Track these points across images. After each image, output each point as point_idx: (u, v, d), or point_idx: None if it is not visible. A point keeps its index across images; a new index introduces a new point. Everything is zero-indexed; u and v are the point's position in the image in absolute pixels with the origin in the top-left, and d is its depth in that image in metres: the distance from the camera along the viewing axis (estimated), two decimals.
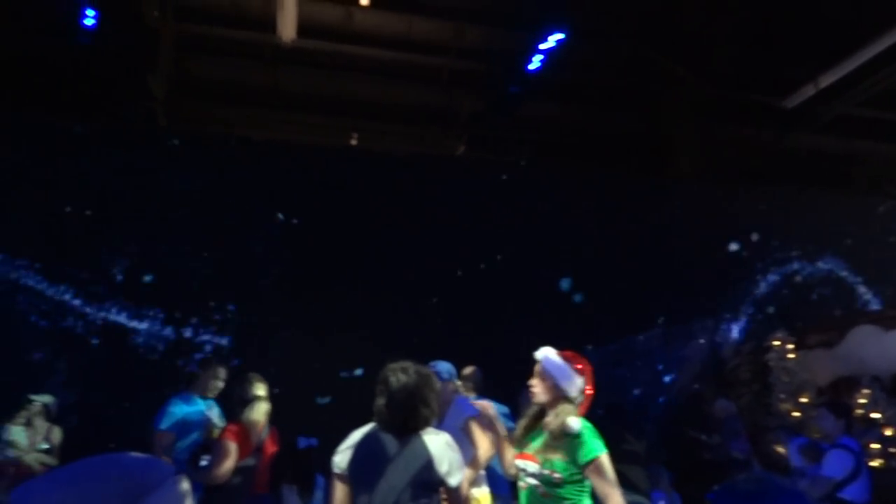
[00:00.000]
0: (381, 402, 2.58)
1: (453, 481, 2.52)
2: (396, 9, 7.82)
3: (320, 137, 8.36)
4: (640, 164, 9.09)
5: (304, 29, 7.16)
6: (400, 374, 2.59)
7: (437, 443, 2.55)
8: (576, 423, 2.68)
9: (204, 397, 4.49)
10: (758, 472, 4.99)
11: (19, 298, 5.98)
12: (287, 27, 7.02)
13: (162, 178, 6.49)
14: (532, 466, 2.74)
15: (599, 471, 2.64)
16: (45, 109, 7.16)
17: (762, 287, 8.14)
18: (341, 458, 2.57)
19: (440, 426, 2.87)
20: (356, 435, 2.61)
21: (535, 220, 6.99)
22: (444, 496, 2.58)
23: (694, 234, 7.53)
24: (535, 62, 7.00)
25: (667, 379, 7.10)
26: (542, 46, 6.88)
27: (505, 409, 5.01)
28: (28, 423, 5.04)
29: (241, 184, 6.62)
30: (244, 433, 3.67)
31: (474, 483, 3.63)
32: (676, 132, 8.84)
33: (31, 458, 5.07)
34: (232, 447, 3.58)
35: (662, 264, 7.25)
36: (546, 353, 2.84)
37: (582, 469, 2.66)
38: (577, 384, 2.78)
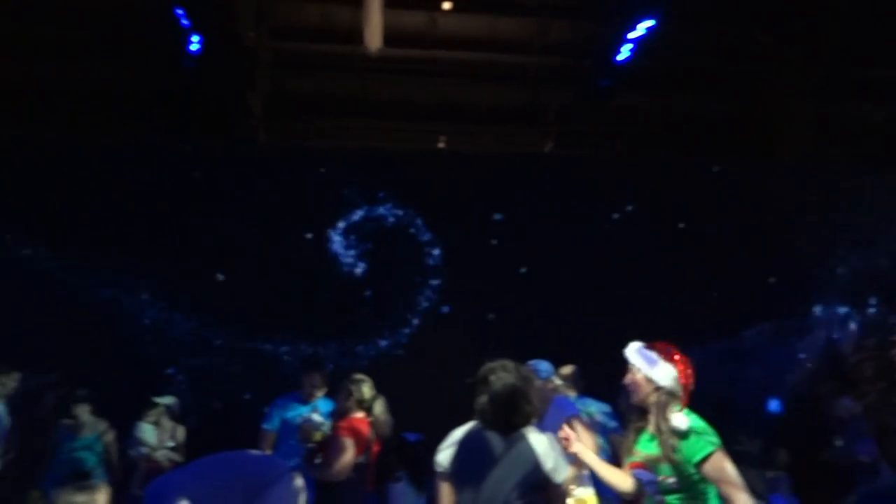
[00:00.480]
0: (482, 400, 2.58)
1: (559, 479, 2.51)
2: (479, 10, 7.86)
3: (410, 143, 8.53)
4: (744, 150, 8.63)
5: (389, 38, 7.33)
6: (501, 372, 2.59)
7: (541, 440, 2.55)
8: (682, 419, 2.52)
9: (307, 400, 4.71)
10: (890, 477, 4.60)
11: (137, 309, 6.51)
12: (373, 37, 7.21)
13: (260, 190, 6.85)
14: (646, 475, 2.63)
15: (717, 468, 2.46)
16: (158, 132, 7.76)
17: (885, 277, 7.50)
18: (444, 456, 2.59)
19: (540, 425, 2.85)
20: (458, 433, 2.63)
21: (631, 214, 6.79)
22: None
23: (807, 221, 7.06)
24: (625, 52, 6.79)
25: (781, 377, 6.69)
26: (631, 36, 6.67)
27: (606, 408, 4.90)
28: (156, 423, 5.49)
29: (336, 192, 6.86)
30: (358, 430, 3.79)
31: (578, 483, 3.57)
32: (783, 114, 8.32)
33: (160, 455, 5.51)
34: (349, 443, 3.72)
35: (773, 254, 6.85)
36: (632, 347, 2.73)
37: (697, 469, 2.49)
38: (669, 373, 2.61)
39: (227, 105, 7.72)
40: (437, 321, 6.42)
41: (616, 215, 6.84)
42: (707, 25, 7.84)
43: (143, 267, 6.39)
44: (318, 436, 4.33)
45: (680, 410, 2.58)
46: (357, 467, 3.76)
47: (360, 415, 3.91)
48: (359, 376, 4.07)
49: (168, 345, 6.30)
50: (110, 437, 5.64)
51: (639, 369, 2.66)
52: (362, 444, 3.80)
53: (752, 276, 6.81)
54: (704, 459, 2.48)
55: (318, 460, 3.90)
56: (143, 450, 5.44)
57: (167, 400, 5.63)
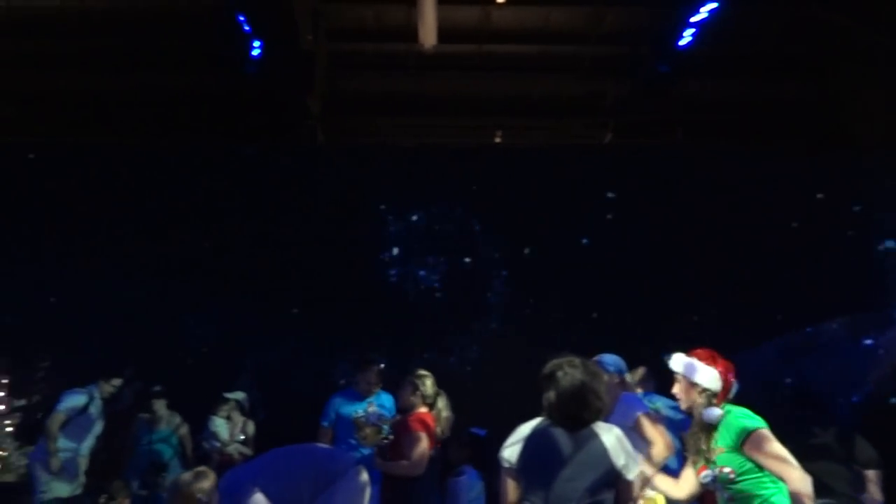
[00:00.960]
0: (550, 396, 2.55)
1: (631, 475, 2.46)
2: (532, 2, 7.77)
3: (467, 139, 8.53)
4: (813, 136, 8.24)
5: (443, 34, 7.34)
6: (568, 367, 2.55)
7: (611, 436, 2.50)
8: (712, 410, 2.70)
9: (363, 396, 4.77)
10: None
11: (207, 308, 6.75)
12: (428, 34, 7.24)
13: (322, 189, 7.00)
14: (708, 476, 2.70)
15: (759, 446, 2.59)
16: (220, 137, 8.04)
17: None
18: (510, 452, 2.57)
19: (608, 421, 2.79)
20: (524, 429, 2.60)
21: (696, 205, 6.58)
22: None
23: (885, 208, 6.69)
24: (687, 37, 6.58)
25: (860, 370, 6.37)
26: (693, 20, 6.45)
27: (672, 403, 4.78)
28: (228, 417, 5.68)
29: (394, 190, 6.94)
30: (428, 423, 3.83)
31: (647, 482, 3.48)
32: (856, 98, 7.89)
33: (232, 449, 5.70)
34: (423, 436, 3.77)
35: (847, 243, 6.53)
36: (675, 358, 2.91)
37: (742, 451, 2.61)
38: (711, 375, 2.77)
39: (287, 108, 7.89)
40: (501, 318, 6.41)
41: (680, 206, 6.65)
42: (774, 5, 7.51)
43: (211, 267, 6.62)
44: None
45: (713, 404, 2.75)
46: (430, 461, 3.79)
47: (423, 409, 3.97)
48: (422, 372, 4.15)
49: (237, 342, 6.51)
50: (184, 430, 5.88)
51: (683, 377, 2.85)
52: (433, 437, 3.84)
53: (829, 268, 6.51)
54: (746, 439, 2.61)
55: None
56: (216, 443, 5.64)
57: (238, 395, 5.82)
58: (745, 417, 2.69)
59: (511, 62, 8.32)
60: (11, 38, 7.64)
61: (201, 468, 3.14)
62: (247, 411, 5.80)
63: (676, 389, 2.89)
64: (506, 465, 2.57)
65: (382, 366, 4.82)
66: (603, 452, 2.45)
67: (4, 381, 6.65)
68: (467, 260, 6.61)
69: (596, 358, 3.34)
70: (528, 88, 8.60)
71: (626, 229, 6.60)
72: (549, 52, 8.17)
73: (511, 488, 2.55)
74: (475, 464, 4.75)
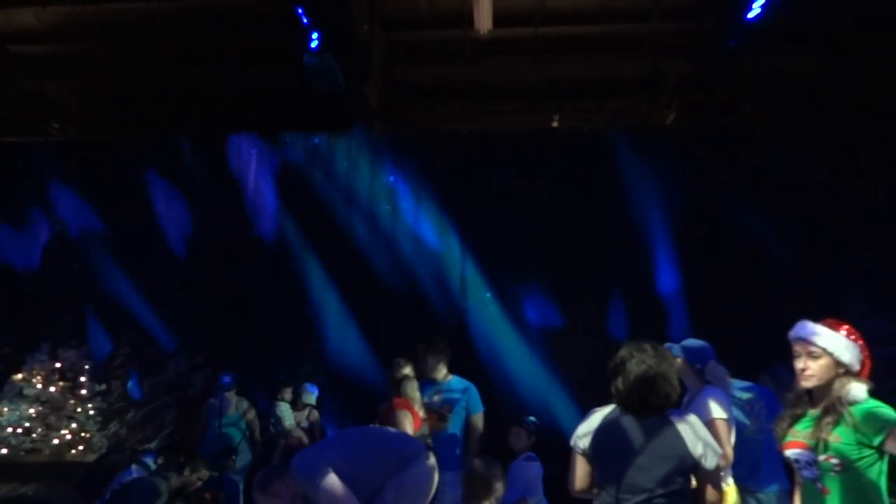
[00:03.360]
0: (620, 382, 2.51)
1: (709, 463, 2.37)
2: None
3: (525, 123, 8.40)
4: (893, 109, 7.72)
5: (499, 18, 7.24)
6: (637, 352, 2.51)
7: (686, 424, 2.43)
8: (861, 390, 2.35)
9: (432, 382, 4.77)
10: None
11: (273, 298, 6.92)
12: (483, 19, 7.16)
13: (378, 178, 7.06)
14: (805, 455, 2.43)
15: None
16: (282, 129, 8.19)
17: None
18: (583, 439, 2.55)
19: (685, 408, 2.71)
20: (597, 415, 2.58)
21: (770, 184, 6.30)
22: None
23: None
24: (756, 9, 6.26)
25: None
26: None
27: (744, 384, 4.57)
28: (293, 403, 5.82)
29: (454, 176, 6.92)
30: (410, 406, 4.03)
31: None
32: None
33: (297, 434, 5.83)
34: (407, 416, 3.83)
35: None
36: (810, 328, 2.49)
37: (880, 439, 2.27)
38: (856, 353, 2.43)
39: (345, 98, 7.97)
40: (566, 302, 6.32)
41: (752, 185, 6.39)
42: None
43: (278, 258, 6.78)
44: (432, 416, 4.42)
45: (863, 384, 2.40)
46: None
47: (399, 397, 4.21)
48: (397, 359, 4.45)
49: (303, 331, 6.66)
50: (252, 415, 6.05)
51: (826, 351, 2.45)
52: (416, 417, 4.06)
53: None
54: (892, 431, 2.26)
55: None
56: (282, 428, 5.78)
57: (303, 383, 5.95)
58: (885, 407, 2.33)
59: (568, 44, 8.11)
60: (87, 41, 7.98)
61: None
62: (313, 398, 5.92)
63: (804, 364, 2.47)
64: (578, 450, 2.56)
65: (448, 350, 4.81)
66: (678, 440, 2.39)
67: (87, 366, 7.01)
68: (532, 246, 6.54)
69: (667, 344, 3.20)
70: (587, 70, 8.37)
71: (690, 210, 6.39)
72: (608, 31, 7.92)
73: (583, 474, 2.54)
74: (531, 449, 4.71)
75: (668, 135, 7.68)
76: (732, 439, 3.17)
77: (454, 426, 4.61)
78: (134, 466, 5.47)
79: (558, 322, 6.38)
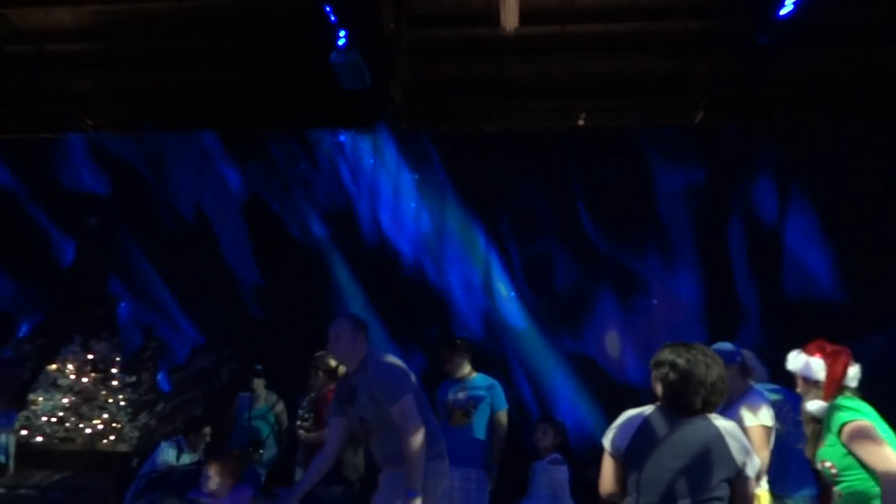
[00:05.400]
0: (664, 381, 2.44)
1: (751, 471, 2.31)
2: None
3: (551, 122, 8.38)
4: None
5: (526, 16, 7.22)
6: (684, 352, 2.43)
7: (729, 428, 2.36)
8: (814, 402, 2.68)
9: (457, 380, 4.81)
10: None
11: (305, 294, 7.01)
12: (509, 17, 7.15)
13: (403, 175, 7.11)
14: (818, 468, 2.70)
15: (853, 438, 2.48)
16: (307, 125, 8.28)
17: None
18: (617, 439, 2.47)
19: (726, 412, 2.68)
20: (633, 415, 2.50)
21: (797, 185, 6.21)
22: None
23: None
24: (788, 5, 6.16)
25: None
26: None
27: (773, 387, 4.53)
28: None
29: (479, 174, 6.93)
30: None
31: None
32: None
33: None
34: None
35: None
36: (790, 357, 2.88)
37: (842, 444, 2.53)
38: (815, 367, 2.73)
39: (371, 96, 8.02)
40: (590, 302, 6.31)
41: (780, 187, 6.30)
42: None
43: (308, 251, 6.86)
44: (457, 413, 4.45)
45: (819, 398, 2.70)
46: None
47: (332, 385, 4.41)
48: (318, 353, 4.64)
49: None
50: (280, 408, 6.13)
51: (796, 373, 2.84)
52: None
53: None
54: (842, 427, 2.53)
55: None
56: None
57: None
58: (847, 410, 2.57)
59: (596, 42, 8.06)
60: (120, 39, 8.13)
61: None
62: None
63: (799, 389, 2.87)
64: (610, 450, 2.48)
65: (471, 348, 4.84)
66: (722, 445, 2.30)
67: (118, 358, 7.17)
68: (556, 246, 6.53)
69: (714, 346, 3.15)
70: (614, 68, 8.32)
71: (718, 211, 6.33)
72: (636, 29, 7.85)
73: (614, 476, 2.47)
74: (556, 448, 4.71)
75: (697, 133, 7.60)
76: (771, 445, 3.16)
77: (478, 423, 4.64)
78: (164, 443, 5.61)
79: (584, 322, 6.36)
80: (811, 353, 2.77)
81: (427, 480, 3.25)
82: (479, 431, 4.62)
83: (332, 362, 4.52)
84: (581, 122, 8.51)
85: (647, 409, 2.50)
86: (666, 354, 2.49)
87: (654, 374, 2.50)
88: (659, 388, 2.47)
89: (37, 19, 7.87)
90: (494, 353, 6.48)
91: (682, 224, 6.33)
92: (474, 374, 4.75)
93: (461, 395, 4.63)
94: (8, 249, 7.73)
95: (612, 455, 2.49)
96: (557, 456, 4.26)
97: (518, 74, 8.47)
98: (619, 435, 2.47)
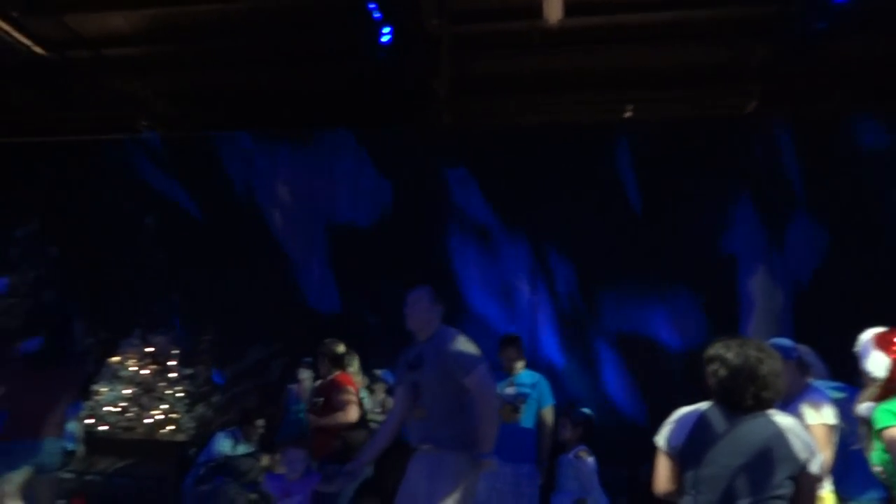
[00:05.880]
0: (717, 377, 2.38)
1: (815, 468, 2.24)
2: None
3: (597, 115, 8.27)
4: None
5: (570, 8, 7.13)
6: (737, 346, 2.37)
7: (789, 424, 2.29)
8: (864, 407, 2.53)
9: (507, 374, 4.83)
10: None
11: (351, 287, 7.11)
12: (553, 9, 7.07)
13: (447, 171, 7.14)
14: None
15: (891, 445, 2.39)
16: (352, 122, 8.38)
17: None
18: (673, 436, 2.42)
19: (785, 409, 2.60)
20: (687, 413, 2.45)
21: (863, 176, 5.98)
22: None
23: None
24: None
25: None
26: None
27: (837, 384, 4.40)
28: (371, 391, 5.98)
29: (524, 169, 6.91)
30: (352, 382, 4.50)
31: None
32: None
33: (371, 419, 6.00)
34: (350, 389, 4.44)
35: None
36: (862, 336, 2.69)
37: (882, 440, 2.43)
38: (878, 363, 2.54)
39: (414, 92, 8.06)
40: (639, 299, 6.24)
41: (844, 178, 6.08)
42: None
43: (356, 247, 6.96)
44: (506, 408, 4.46)
45: (873, 398, 2.53)
46: None
47: (340, 371, 4.64)
48: (327, 341, 4.74)
49: (376, 321, 6.85)
50: None
51: (859, 358, 2.67)
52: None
53: None
54: (881, 432, 2.42)
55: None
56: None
57: (380, 371, 6.11)
58: (888, 415, 2.42)
59: (642, 32, 7.91)
60: (171, 42, 8.37)
61: None
62: (389, 387, 6.07)
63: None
64: (665, 449, 2.43)
65: (522, 343, 4.85)
66: (783, 442, 2.23)
67: (175, 351, 7.44)
68: (601, 240, 6.47)
69: (770, 342, 3.07)
70: (662, 59, 8.14)
71: (776, 202, 6.15)
72: (684, 18, 7.66)
73: (669, 475, 2.42)
74: (584, 442, 4.68)
75: (750, 123, 7.39)
76: (834, 445, 3.06)
77: (527, 419, 4.66)
78: (220, 434, 5.81)
79: (632, 318, 6.28)
80: (880, 346, 2.55)
81: (467, 469, 3.31)
82: (529, 426, 4.63)
83: (339, 349, 4.69)
84: (628, 115, 8.37)
85: (702, 406, 2.45)
86: (716, 349, 2.43)
87: (708, 367, 2.44)
88: (712, 383, 2.41)
89: (94, 25, 8.16)
90: (540, 350, 6.48)
91: (738, 216, 6.17)
92: (522, 370, 4.76)
93: (509, 390, 4.65)
94: (81, 246, 8.09)
95: (667, 453, 2.44)
96: (583, 448, 4.24)
97: (562, 67, 8.37)
98: (674, 433, 2.43)
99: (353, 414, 4.42)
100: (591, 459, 4.44)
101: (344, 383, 4.51)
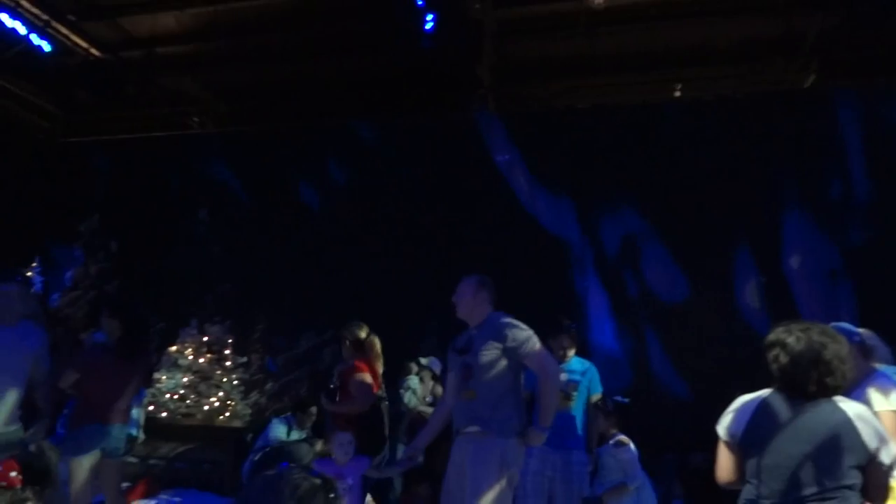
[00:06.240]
0: (781, 362, 2.28)
1: (887, 458, 2.13)
2: None
3: (645, 95, 8.06)
4: None
5: None
6: (800, 332, 2.28)
7: (858, 411, 2.18)
8: None
9: (558, 361, 4.78)
10: None
11: (400, 279, 7.17)
12: None
13: (494, 157, 7.09)
14: None
15: None
16: (398, 111, 8.40)
17: None
18: (734, 424, 2.34)
19: (850, 396, 2.48)
20: (749, 400, 2.36)
21: None
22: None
23: None
24: None
25: None
26: None
27: None
28: (421, 379, 6.04)
29: (571, 153, 6.81)
30: (371, 367, 4.43)
31: None
32: None
33: (422, 408, 6.05)
34: (366, 375, 4.34)
35: None
36: None
37: None
38: None
39: (458, 80, 8.02)
40: (691, 281, 6.09)
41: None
42: None
43: (409, 236, 7.00)
44: (560, 396, 4.40)
45: None
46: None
47: (361, 357, 4.57)
48: (351, 323, 4.70)
49: (424, 307, 6.88)
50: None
51: None
52: (376, 378, 4.53)
53: None
54: None
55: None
56: (413, 401, 6.02)
57: (428, 360, 6.16)
58: None
59: (690, 8, 7.65)
60: (218, 39, 8.55)
61: None
62: (437, 375, 6.11)
63: None
64: (726, 438, 2.36)
65: (574, 330, 4.79)
66: (851, 430, 2.13)
67: (230, 340, 7.65)
68: (650, 222, 6.33)
69: (833, 324, 2.94)
70: (711, 35, 7.86)
71: (836, 180, 5.89)
72: None
73: (732, 464, 2.34)
74: (620, 430, 4.60)
75: (808, 98, 7.08)
76: None
77: (578, 406, 4.61)
78: (275, 420, 5.96)
79: (683, 303, 6.14)
80: None
81: (511, 458, 3.30)
82: (579, 414, 4.59)
83: (362, 333, 4.66)
84: (677, 94, 8.13)
85: (763, 394, 2.36)
86: (777, 334, 2.34)
87: (770, 353, 2.35)
88: (775, 369, 2.32)
89: (145, 25, 8.41)
90: (590, 336, 6.41)
91: (795, 194, 5.93)
92: (572, 357, 4.71)
93: (561, 377, 4.60)
94: (139, 239, 8.39)
95: (727, 442, 2.37)
96: (621, 436, 4.16)
97: (608, 48, 8.18)
98: (735, 421, 2.35)
99: (362, 403, 4.41)
100: (631, 446, 4.38)
101: (361, 370, 4.47)
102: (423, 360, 6.18)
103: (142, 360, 4.32)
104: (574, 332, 4.74)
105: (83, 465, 3.85)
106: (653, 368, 6.14)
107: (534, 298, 6.81)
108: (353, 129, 7.90)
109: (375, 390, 4.55)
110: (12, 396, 3.58)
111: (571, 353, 4.71)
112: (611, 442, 4.47)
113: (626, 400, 4.65)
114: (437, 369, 6.09)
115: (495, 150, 7.25)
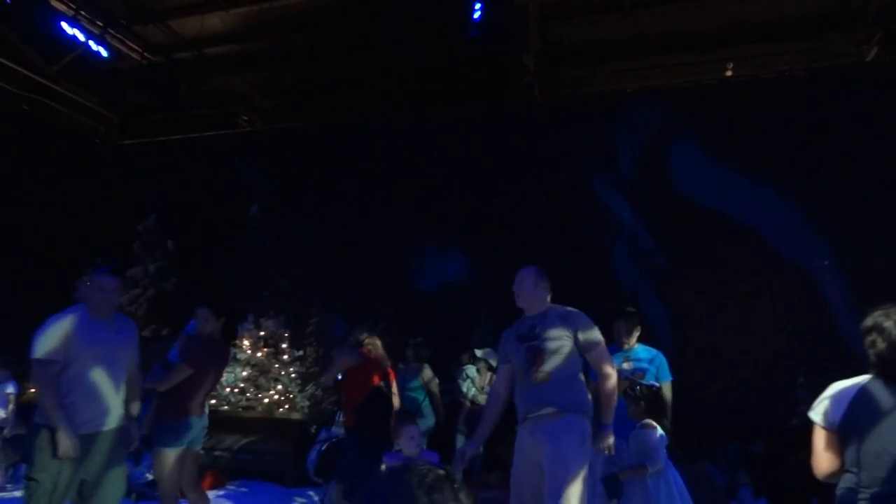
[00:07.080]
0: (879, 348, 2.22)
1: None
2: None
3: (695, 76, 7.88)
4: None
5: None
6: (894, 314, 2.21)
7: None
8: None
9: (619, 348, 4.73)
10: None
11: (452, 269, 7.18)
12: None
13: (542, 144, 7.02)
14: None
15: None
16: (446, 101, 8.39)
17: None
18: (832, 411, 2.27)
19: None
20: (846, 387, 2.29)
21: None
22: None
23: None
24: None
25: None
26: None
27: None
28: (478, 371, 6.06)
29: (620, 138, 6.70)
30: (370, 359, 4.73)
31: None
32: None
33: (481, 398, 6.08)
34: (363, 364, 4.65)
35: None
36: None
37: None
38: None
39: (504, 68, 7.96)
40: (763, 268, 5.95)
41: None
42: None
43: (463, 229, 7.02)
44: (626, 385, 4.36)
45: None
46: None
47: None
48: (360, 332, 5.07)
49: (482, 297, 6.90)
50: (433, 381, 6.36)
51: None
52: (380, 372, 4.86)
53: None
54: None
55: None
56: (472, 391, 6.06)
57: (484, 352, 6.17)
58: None
59: None
60: (262, 38, 8.67)
61: None
62: (492, 366, 6.12)
63: None
64: (823, 424, 2.30)
65: (638, 318, 4.73)
66: None
67: (286, 334, 7.80)
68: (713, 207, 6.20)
69: None
70: (763, 11, 7.62)
71: None
72: None
73: (831, 452, 2.28)
74: (653, 416, 4.52)
75: (871, 72, 6.81)
76: None
77: None
78: (338, 412, 6.08)
79: (750, 293, 6.00)
80: None
81: (589, 435, 3.34)
82: None
83: (363, 338, 5.03)
84: (729, 73, 7.92)
85: (862, 380, 2.29)
86: (875, 319, 2.27)
87: (868, 339, 2.28)
88: (875, 354, 2.25)
89: (194, 27, 8.57)
90: (650, 325, 6.33)
91: (868, 174, 5.71)
92: (637, 345, 4.66)
93: (626, 365, 4.55)
94: (195, 237, 8.59)
95: (825, 428, 2.30)
96: (647, 421, 4.10)
97: (653, 29, 8.02)
98: (833, 407, 2.28)
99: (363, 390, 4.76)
100: (656, 431, 4.32)
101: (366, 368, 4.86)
102: (479, 352, 6.19)
103: (225, 354, 4.40)
104: (635, 318, 4.68)
105: (175, 457, 3.94)
106: (713, 359, 6.03)
107: (588, 287, 6.78)
108: (397, 123, 7.93)
109: (378, 382, 4.90)
110: (123, 388, 3.69)
111: (633, 340, 4.65)
112: (639, 425, 4.43)
113: (657, 385, 4.58)
114: (494, 361, 6.09)
115: (544, 136, 7.18)
